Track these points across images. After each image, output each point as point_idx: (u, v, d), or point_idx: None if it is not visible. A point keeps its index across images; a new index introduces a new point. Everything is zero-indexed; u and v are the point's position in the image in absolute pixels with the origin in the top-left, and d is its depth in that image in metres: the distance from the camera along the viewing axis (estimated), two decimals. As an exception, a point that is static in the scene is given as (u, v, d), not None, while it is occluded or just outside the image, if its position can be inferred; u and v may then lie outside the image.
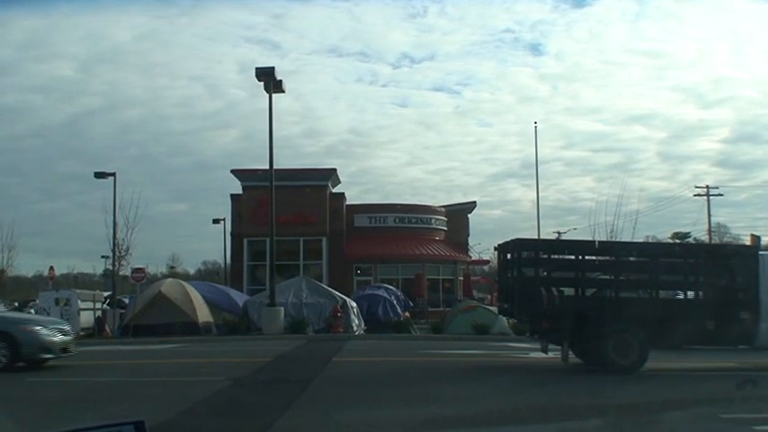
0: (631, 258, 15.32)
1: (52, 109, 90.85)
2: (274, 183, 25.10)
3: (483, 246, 52.15)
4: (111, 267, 32.48)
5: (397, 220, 39.24)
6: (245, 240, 36.32)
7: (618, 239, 25.28)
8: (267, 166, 25.44)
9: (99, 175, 28.57)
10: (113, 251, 28.87)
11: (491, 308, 24.62)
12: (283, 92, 25.29)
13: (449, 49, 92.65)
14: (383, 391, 10.86)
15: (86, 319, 24.90)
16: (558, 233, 52.40)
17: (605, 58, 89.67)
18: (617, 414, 7.69)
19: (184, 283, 27.73)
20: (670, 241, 37.15)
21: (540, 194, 49.55)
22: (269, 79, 24.19)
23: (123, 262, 29.50)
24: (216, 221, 44.64)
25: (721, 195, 46.81)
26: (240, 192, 37.05)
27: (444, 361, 15.91)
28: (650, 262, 14.61)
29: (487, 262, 47.15)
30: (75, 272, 61.22)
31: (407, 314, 28.57)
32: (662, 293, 14.42)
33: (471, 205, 44.22)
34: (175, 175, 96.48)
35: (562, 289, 14.29)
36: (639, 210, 36.62)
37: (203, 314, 24.68)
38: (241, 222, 36.46)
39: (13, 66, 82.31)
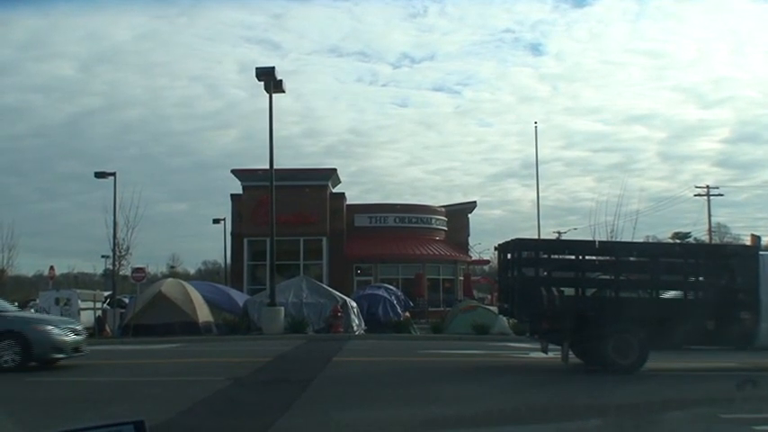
0: (631, 258, 15.32)
1: (52, 109, 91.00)
2: (274, 183, 25.11)
3: (483, 246, 52.22)
4: (111, 267, 32.51)
5: (397, 219, 39.25)
6: (245, 240, 36.33)
7: (618, 239, 25.29)
8: (267, 166, 25.45)
9: (99, 174, 28.60)
10: (113, 251, 28.89)
11: (491, 308, 24.63)
12: (283, 92, 25.30)
13: (449, 49, 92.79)
14: (383, 391, 10.86)
15: (86, 318, 24.91)
16: (559, 233, 52.47)
17: (605, 58, 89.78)
18: (617, 414, 7.68)
19: (185, 282, 27.74)
20: (670, 241, 37.18)
21: (540, 194, 49.66)
22: (269, 79, 24.19)
23: (123, 262, 29.53)
24: (216, 221, 44.69)
25: (721, 195, 46.88)
26: (240, 192, 37.07)
27: (444, 361, 15.91)
28: (650, 262, 14.61)
29: (488, 262, 47.18)
30: (75, 271, 61.34)
31: (407, 314, 28.57)
32: (662, 293, 14.43)
33: (471, 205, 44.24)
34: (175, 174, 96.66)
35: (562, 289, 14.28)
36: (640, 210, 36.61)
37: (203, 314, 24.69)
38: (241, 222, 36.48)
39: (13, 65, 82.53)
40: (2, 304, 15.12)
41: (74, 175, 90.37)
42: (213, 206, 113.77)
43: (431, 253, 38.42)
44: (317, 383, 11.74)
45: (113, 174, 28.45)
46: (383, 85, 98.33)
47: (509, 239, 14.95)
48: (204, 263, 73.65)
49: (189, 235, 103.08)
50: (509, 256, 14.66)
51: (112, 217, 28.21)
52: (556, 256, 14.83)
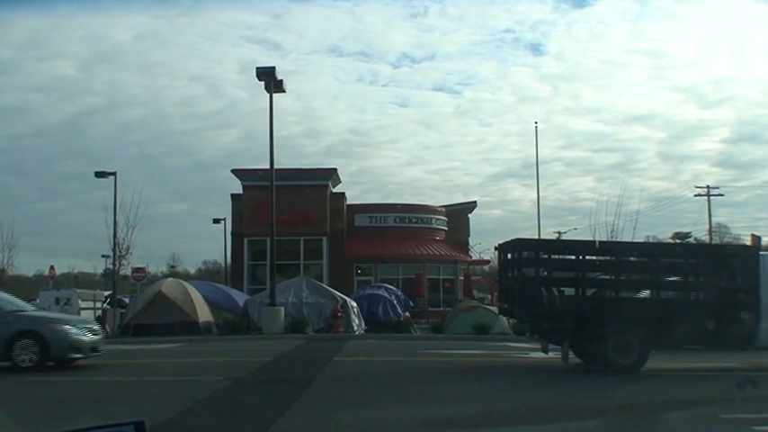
0: (632, 258, 15.33)
1: (53, 108, 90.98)
2: (275, 182, 25.09)
3: (483, 246, 52.25)
4: (111, 267, 32.53)
5: (397, 219, 39.25)
6: (245, 240, 36.34)
7: (618, 239, 25.32)
8: (268, 166, 25.44)
9: (99, 174, 28.63)
10: (114, 251, 28.93)
11: (491, 308, 24.63)
12: (284, 92, 25.28)
13: (449, 49, 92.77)
14: (383, 391, 10.87)
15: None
16: (559, 233, 52.50)
17: (605, 58, 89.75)
18: (617, 414, 7.68)
19: (185, 282, 27.73)
20: (670, 241, 37.18)
21: (540, 194, 49.67)
22: (269, 79, 24.19)
23: (124, 261, 29.60)
24: (216, 221, 44.66)
25: (722, 195, 46.85)
26: (241, 191, 37.07)
27: (444, 361, 15.91)
28: (651, 262, 14.62)
29: (488, 262, 47.19)
30: (75, 271, 61.46)
31: (408, 314, 28.56)
32: (662, 294, 14.43)
33: (472, 205, 44.24)
34: (176, 174, 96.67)
35: (562, 289, 14.28)
36: (640, 210, 36.67)
37: (203, 314, 24.68)
38: (241, 222, 36.48)
39: (13, 65, 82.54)
40: (20, 303, 15.14)
41: (74, 175, 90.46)
42: (213, 206, 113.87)
43: (431, 253, 38.42)
44: (317, 383, 11.74)
45: (114, 173, 28.48)
46: (383, 85, 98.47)
47: (509, 239, 14.96)
48: (204, 263, 73.76)
49: (189, 235, 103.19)
50: (509, 256, 14.66)
51: (113, 217, 28.29)
52: (556, 256, 14.83)
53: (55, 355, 13.55)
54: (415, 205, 41.29)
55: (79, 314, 24.49)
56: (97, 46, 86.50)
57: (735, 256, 14.72)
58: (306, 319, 23.90)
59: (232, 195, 38.12)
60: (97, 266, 54.00)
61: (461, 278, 38.23)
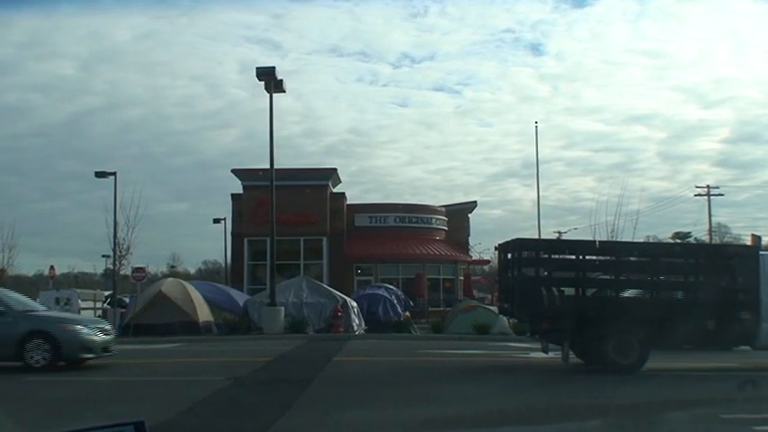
0: (632, 258, 15.32)
1: (53, 108, 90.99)
2: (275, 182, 25.10)
3: (483, 245, 52.32)
4: (111, 267, 32.54)
5: (397, 219, 39.24)
6: (245, 240, 36.34)
7: (618, 239, 25.31)
8: (268, 166, 25.44)
9: (100, 174, 28.65)
10: (114, 250, 28.95)
11: (491, 308, 24.62)
12: (284, 92, 25.28)
13: (449, 49, 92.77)
14: (383, 391, 10.86)
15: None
16: (559, 233, 52.51)
17: (606, 58, 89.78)
18: (617, 414, 7.69)
19: (185, 282, 27.73)
20: (671, 241, 37.18)
21: (540, 194, 49.75)
22: (270, 79, 24.19)
23: (124, 261, 29.62)
24: (216, 221, 44.69)
25: (722, 195, 46.82)
26: (241, 191, 37.07)
27: (444, 361, 15.90)
28: (651, 262, 14.61)
29: (488, 262, 47.19)
30: (75, 271, 61.47)
31: (408, 314, 28.57)
32: (662, 294, 14.42)
33: (472, 205, 44.23)
34: (176, 174, 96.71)
35: (563, 289, 14.28)
36: (640, 210, 36.61)
37: (204, 314, 24.68)
38: (242, 222, 36.48)
39: (14, 65, 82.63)
40: (31, 303, 15.13)
41: (74, 175, 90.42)
42: (214, 206, 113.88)
43: (431, 253, 38.42)
44: (317, 383, 11.74)
45: (114, 173, 28.50)
46: (383, 85, 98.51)
47: (509, 239, 14.96)
48: (204, 262, 73.77)
49: (189, 235, 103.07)
50: (509, 255, 14.66)
51: (113, 216, 28.31)
52: (556, 256, 14.82)
53: (66, 355, 13.53)
54: (415, 205, 41.29)
55: (79, 314, 24.48)
56: (97, 46, 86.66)
57: (735, 256, 14.71)
58: (306, 319, 23.90)
59: (232, 195, 38.14)
60: (97, 266, 54.10)
61: (461, 278, 38.21)
